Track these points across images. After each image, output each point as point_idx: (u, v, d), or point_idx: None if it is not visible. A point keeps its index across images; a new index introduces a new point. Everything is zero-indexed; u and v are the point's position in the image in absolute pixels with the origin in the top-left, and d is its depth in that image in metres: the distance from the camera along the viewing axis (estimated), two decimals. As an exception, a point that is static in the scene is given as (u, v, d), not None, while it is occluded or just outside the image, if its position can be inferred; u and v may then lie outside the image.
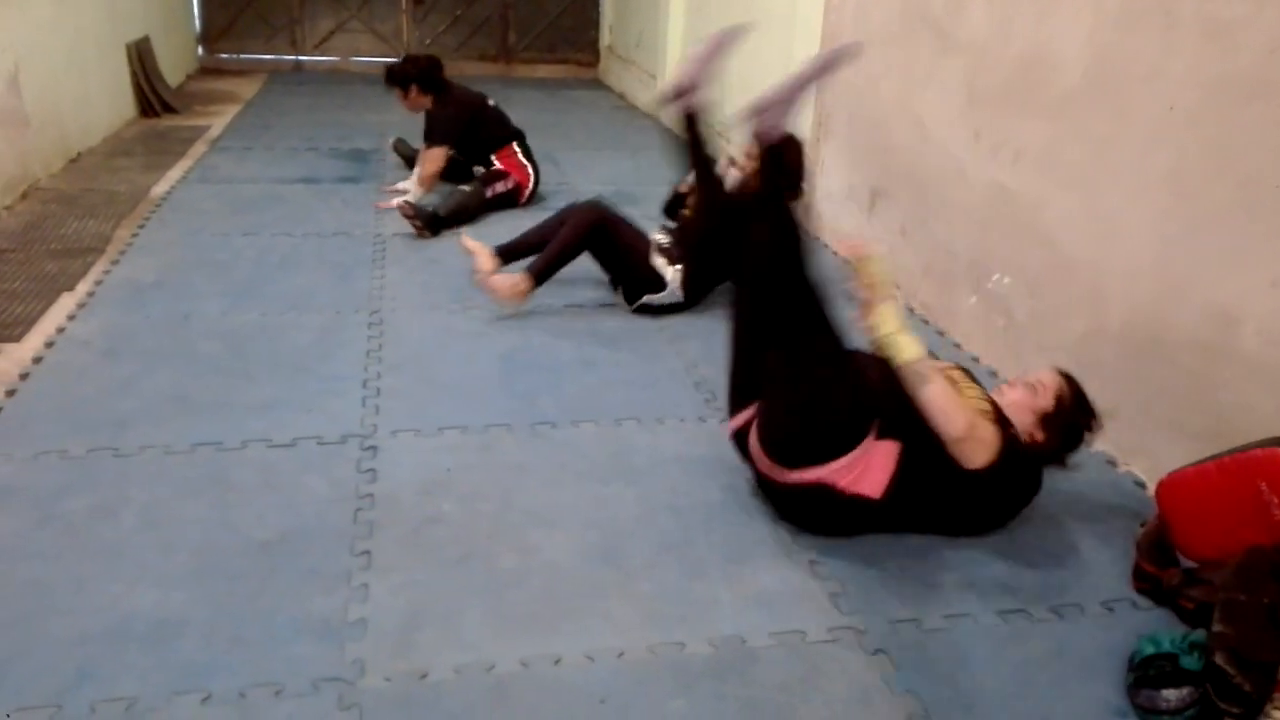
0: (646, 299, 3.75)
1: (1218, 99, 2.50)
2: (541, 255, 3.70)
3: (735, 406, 2.55)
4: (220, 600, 2.10)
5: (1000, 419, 2.34)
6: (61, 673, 1.87)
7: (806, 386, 2.29)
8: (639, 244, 3.79)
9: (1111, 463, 2.84)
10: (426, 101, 5.17)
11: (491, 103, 5.28)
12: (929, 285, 3.87)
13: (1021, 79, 3.27)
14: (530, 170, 5.22)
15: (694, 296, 3.78)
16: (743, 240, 2.37)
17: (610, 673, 1.95)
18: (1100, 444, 2.91)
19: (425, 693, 1.88)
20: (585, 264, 3.84)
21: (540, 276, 3.67)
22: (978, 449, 2.21)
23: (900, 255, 4.08)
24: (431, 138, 5.11)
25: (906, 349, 2.23)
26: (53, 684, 1.84)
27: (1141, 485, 2.72)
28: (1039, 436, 2.40)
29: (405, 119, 6.90)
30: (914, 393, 2.22)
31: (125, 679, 1.86)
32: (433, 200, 4.82)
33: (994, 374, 3.38)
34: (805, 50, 4.93)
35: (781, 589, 2.23)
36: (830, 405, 2.28)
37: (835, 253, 4.59)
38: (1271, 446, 2.07)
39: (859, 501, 2.29)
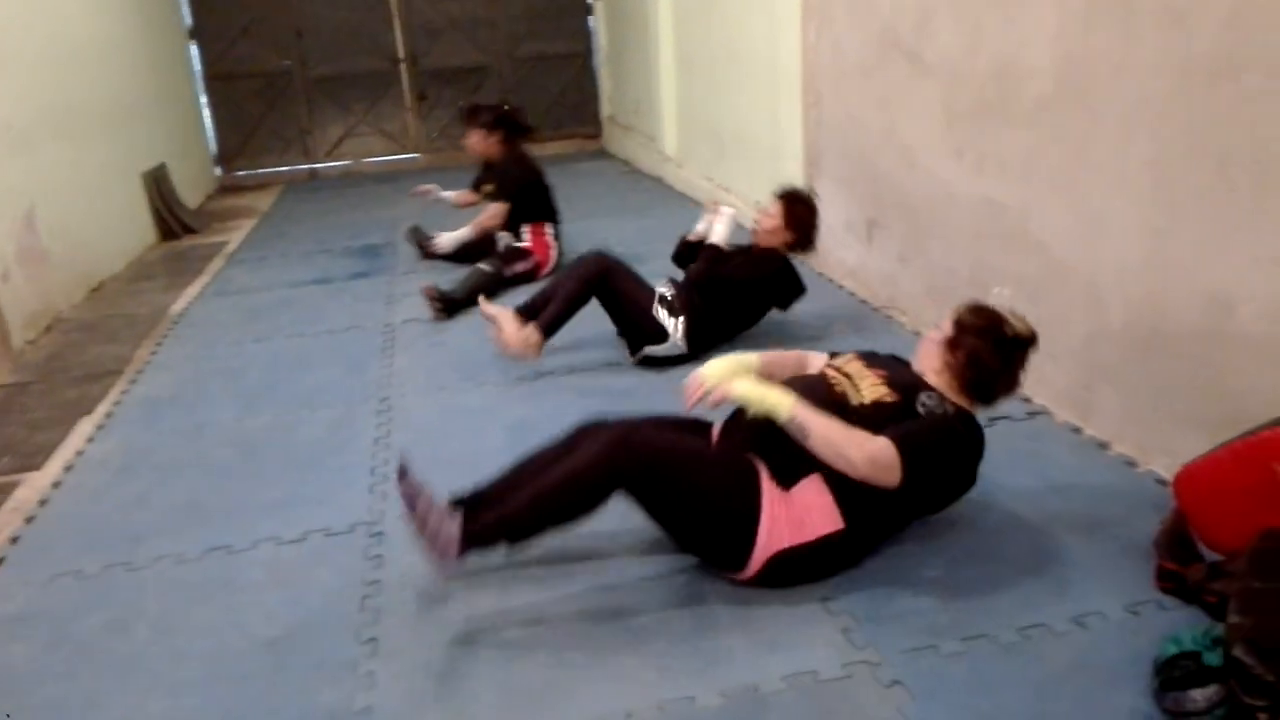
0: (648, 350, 3.74)
1: (1184, 84, 2.47)
2: (549, 309, 3.79)
3: None
4: (230, 703, 2.09)
5: (903, 397, 2.29)
6: (72, 792, 1.87)
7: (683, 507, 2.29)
8: (641, 295, 3.80)
9: (1131, 464, 2.75)
10: (496, 150, 5.32)
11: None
12: (933, 307, 3.82)
13: (995, 91, 3.26)
14: (555, 253, 5.24)
15: (697, 349, 3.72)
16: None
17: (619, 735, 1.90)
18: (1118, 446, 2.83)
19: (430, 775, 1.85)
20: (591, 323, 3.86)
21: (549, 329, 3.77)
22: (884, 474, 2.13)
23: (902, 281, 4.04)
24: (501, 191, 5.25)
25: (780, 407, 2.19)
26: (62, 804, 1.84)
27: (1164, 484, 2.62)
28: (953, 381, 2.33)
29: (414, 211, 7.05)
30: (804, 444, 2.19)
31: (133, 791, 1.86)
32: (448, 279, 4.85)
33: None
34: (790, 94, 4.99)
35: (793, 630, 2.17)
36: (708, 501, 2.26)
37: (840, 287, 4.58)
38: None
39: (830, 542, 2.24)
